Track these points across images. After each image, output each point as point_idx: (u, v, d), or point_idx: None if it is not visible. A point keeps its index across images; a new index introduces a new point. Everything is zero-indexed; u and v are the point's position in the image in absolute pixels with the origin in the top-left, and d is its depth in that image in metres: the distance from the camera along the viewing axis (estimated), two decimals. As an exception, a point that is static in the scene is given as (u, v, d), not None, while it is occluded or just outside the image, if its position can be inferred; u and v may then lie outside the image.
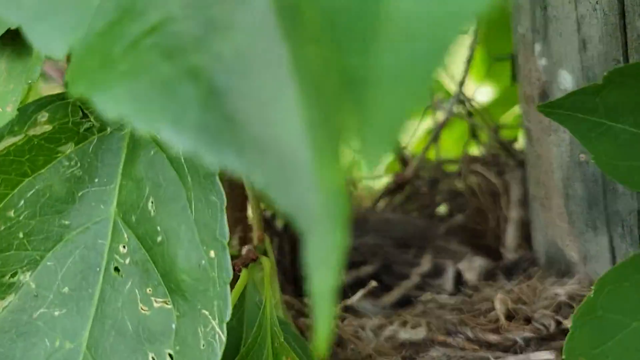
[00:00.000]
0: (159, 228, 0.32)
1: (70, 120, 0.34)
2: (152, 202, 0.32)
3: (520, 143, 0.71)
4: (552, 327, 0.44)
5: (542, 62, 0.47)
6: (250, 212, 0.51)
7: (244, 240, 0.51)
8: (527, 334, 0.43)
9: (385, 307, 0.56)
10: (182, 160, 0.31)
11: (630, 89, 0.32)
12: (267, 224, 0.71)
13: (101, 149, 0.34)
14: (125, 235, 0.33)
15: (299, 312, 0.51)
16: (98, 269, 0.33)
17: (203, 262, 0.30)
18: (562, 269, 0.51)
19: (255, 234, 0.46)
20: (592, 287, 0.32)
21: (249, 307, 0.40)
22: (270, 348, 0.35)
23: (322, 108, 0.15)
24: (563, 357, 0.32)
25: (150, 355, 0.30)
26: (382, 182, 0.77)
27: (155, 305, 0.31)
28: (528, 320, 0.45)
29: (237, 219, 0.53)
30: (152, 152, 0.33)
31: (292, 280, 0.68)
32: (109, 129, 0.34)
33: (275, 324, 0.37)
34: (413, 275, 0.58)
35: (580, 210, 0.47)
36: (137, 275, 0.32)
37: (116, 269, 0.32)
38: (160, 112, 0.18)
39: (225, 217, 0.30)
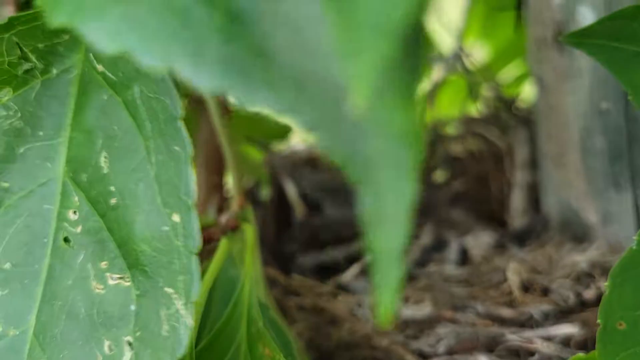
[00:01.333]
0: (113, 188, 0.26)
1: (6, 61, 0.28)
2: (105, 157, 0.26)
3: (523, 101, 0.65)
4: (572, 299, 0.39)
5: (557, -1, 0.41)
6: (229, 176, 0.45)
7: (222, 209, 0.46)
8: (545, 307, 0.39)
9: None
10: (140, 104, 0.25)
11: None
12: (249, 194, 0.65)
13: (46, 96, 0.28)
14: (76, 199, 0.26)
15: (284, 292, 0.45)
16: (45, 240, 0.26)
17: (165, 228, 0.24)
18: (578, 234, 0.46)
19: (236, 200, 0.40)
20: (635, 238, 0.26)
21: (222, 282, 0.34)
22: (244, 334, 0.30)
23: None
24: (598, 320, 0.27)
25: (107, 343, 0.25)
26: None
27: (111, 282, 0.25)
28: (545, 292, 0.40)
29: (215, 184, 0.47)
30: (104, 97, 0.27)
31: (276, 256, 0.63)
32: (54, 71, 0.28)
33: (254, 305, 0.32)
34: (413, 249, 0.53)
35: (601, 166, 0.42)
36: (90, 247, 0.26)
37: (66, 240, 0.26)
38: (175, 44, 0.15)
39: (191, 171, 0.24)
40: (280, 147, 0.70)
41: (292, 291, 0.46)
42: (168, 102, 0.25)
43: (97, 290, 0.25)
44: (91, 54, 0.27)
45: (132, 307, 0.25)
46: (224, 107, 0.46)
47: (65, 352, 0.24)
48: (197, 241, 0.24)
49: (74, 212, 0.26)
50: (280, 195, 0.66)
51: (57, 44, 0.28)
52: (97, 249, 0.26)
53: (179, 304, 0.23)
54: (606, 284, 0.27)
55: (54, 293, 0.26)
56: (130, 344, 0.24)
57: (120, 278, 0.25)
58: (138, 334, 0.24)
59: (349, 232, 0.56)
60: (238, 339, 0.30)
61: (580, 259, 0.41)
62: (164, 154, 0.25)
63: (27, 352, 0.25)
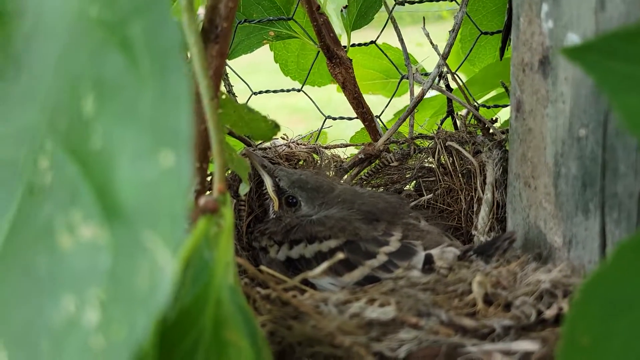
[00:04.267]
0: (99, 132, 0.22)
1: None
2: (92, 101, 0.23)
3: (500, 124, 0.64)
4: (533, 316, 0.38)
5: (548, 24, 0.40)
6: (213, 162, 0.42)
7: (202, 194, 0.43)
8: (507, 322, 0.37)
9: (347, 287, 0.49)
10: (137, 42, 0.22)
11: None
12: (228, 187, 0.63)
13: (31, 37, 0.25)
14: (51, 145, 0.23)
15: (251, 282, 0.43)
16: (13, 192, 0.23)
17: (153, 171, 0.21)
18: (542, 254, 0.44)
19: (216, 186, 0.37)
20: (609, 256, 0.25)
21: (196, 263, 0.32)
22: (211, 316, 0.28)
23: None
24: (562, 332, 0.25)
25: (71, 302, 0.21)
26: (349, 151, 0.70)
27: (85, 234, 0.22)
28: (508, 307, 0.39)
29: (197, 169, 0.45)
30: (97, 41, 0.23)
31: (247, 249, 0.61)
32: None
33: (224, 289, 0.29)
34: (380, 254, 0.51)
35: (572, 190, 0.41)
36: (61, 198, 0.22)
37: (31, 191, 0.23)
38: None
39: (189, 110, 0.21)
40: (262, 142, 0.68)
41: (259, 282, 0.43)
42: (171, 35, 0.22)
43: (65, 245, 0.22)
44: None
45: (106, 261, 0.21)
46: (214, 92, 0.44)
47: (15, 312, 0.21)
48: (188, 182, 0.21)
49: (46, 161, 0.23)
50: (257, 189, 0.64)
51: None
52: (71, 199, 0.22)
53: (161, 252, 0.20)
54: (569, 301, 0.25)
55: (12, 250, 0.23)
56: (100, 301, 0.21)
57: (95, 230, 0.22)
58: (111, 289, 0.21)
59: (323, 231, 0.54)
60: (204, 321, 0.27)
61: (544, 278, 0.39)
62: (160, 92, 0.22)
63: None
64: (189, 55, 0.36)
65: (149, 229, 0.20)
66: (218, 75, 0.43)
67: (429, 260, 0.49)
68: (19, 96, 0.24)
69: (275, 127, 0.50)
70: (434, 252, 0.50)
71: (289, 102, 0.71)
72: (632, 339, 0.25)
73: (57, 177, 0.22)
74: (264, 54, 0.76)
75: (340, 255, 0.42)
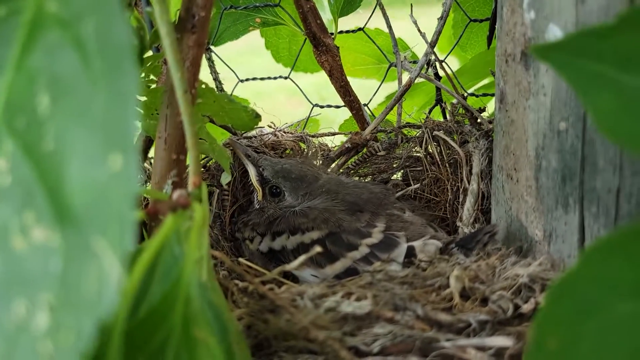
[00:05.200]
0: (52, 132, 0.22)
1: None
2: (47, 100, 0.22)
3: (488, 113, 0.64)
4: (510, 310, 0.37)
5: (530, 15, 0.39)
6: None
7: (179, 186, 0.43)
8: (483, 317, 0.37)
9: (328, 279, 0.49)
10: (90, 40, 0.22)
11: (650, 35, 0.25)
12: (212, 176, 0.63)
13: None
14: (10, 146, 0.23)
15: (229, 275, 0.43)
16: None
17: (102, 174, 0.21)
18: (523, 248, 0.44)
19: (191, 179, 0.37)
20: (578, 260, 0.24)
21: (166, 260, 0.31)
22: (180, 314, 0.27)
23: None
24: (530, 333, 0.25)
25: (22, 305, 0.21)
26: (339, 140, 0.69)
27: (37, 237, 0.21)
28: (485, 301, 0.38)
29: (174, 162, 0.44)
30: (53, 38, 0.23)
31: (230, 237, 0.60)
32: (3, 11, 0.25)
33: (194, 286, 0.29)
34: (362, 246, 0.51)
35: (553, 184, 0.40)
36: (18, 199, 0.22)
37: None
38: None
39: (135, 113, 0.21)
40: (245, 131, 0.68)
41: (236, 275, 0.43)
42: (122, 35, 0.21)
43: (19, 247, 0.22)
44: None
45: (57, 265, 0.21)
46: (191, 83, 0.43)
47: None
48: (135, 187, 0.20)
49: (5, 161, 0.23)
50: (242, 178, 0.64)
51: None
52: (26, 200, 0.22)
53: (109, 258, 0.20)
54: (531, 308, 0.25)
55: None
56: (50, 305, 0.21)
57: (46, 232, 0.22)
58: (60, 293, 0.21)
59: (305, 223, 0.54)
60: (173, 319, 0.27)
61: (523, 272, 0.39)
62: (109, 93, 0.21)
63: None
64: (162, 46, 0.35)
65: (98, 234, 0.20)
66: (196, 65, 0.42)
67: (410, 252, 0.49)
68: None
69: (256, 117, 0.49)
70: (416, 244, 0.50)
71: (288, 84, 0.71)
72: (600, 343, 0.25)
73: (16, 178, 0.22)
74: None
75: (318, 248, 0.42)
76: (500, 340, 0.35)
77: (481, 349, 0.35)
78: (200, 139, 0.50)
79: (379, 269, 0.41)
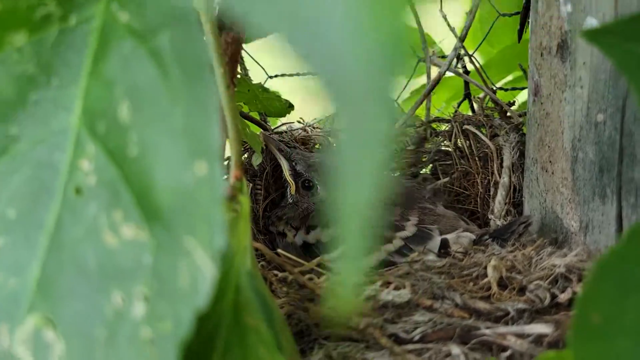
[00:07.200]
0: (134, 139, 0.23)
1: (25, 3, 0.26)
2: (127, 108, 0.24)
3: (517, 107, 0.64)
4: (547, 299, 0.38)
5: (567, 8, 0.40)
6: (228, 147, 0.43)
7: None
8: (521, 305, 0.38)
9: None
10: (166, 52, 0.23)
11: None
12: (246, 170, 0.64)
13: (63, 44, 0.25)
14: (92, 149, 0.24)
15: (268, 266, 0.44)
16: (54, 190, 0.24)
17: (189, 179, 0.22)
18: (558, 239, 0.45)
19: (233, 172, 0.38)
20: (623, 236, 0.25)
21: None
22: (231, 302, 0.29)
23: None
24: (574, 311, 0.26)
25: (118, 295, 0.23)
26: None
27: (127, 234, 0.23)
28: (522, 291, 0.39)
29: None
30: (127, 48, 0.24)
31: (264, 232, 0.62)
32: (73, 20, 0.26)
33: (243, 275, 0.30)
34: (396, 239, 0.52)
35: (589, 175, 0.41)
36: (104, 198, 0.24)
37: (78, 190, 0.24)
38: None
39: (217, 121, 0.22)
40: (279, 126, 0.69)
41: (276, 266, 0.44)
42: (198, 47, 0.23)
43: (110, 243, 0.23)
44: (115, 3, 0.25)
45: (148, 259, 0.23)
46: (230, 79, 0.45)
47: (70, 303, 0.22)
48: (221, 190, 0.22)
49: (89, 163, 0.24)
50: (273, 173, 0.65)
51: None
52: (113, 200, 0.24)
53: (200, 255, 0.22)
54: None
55: (62, 244, 0.24)
56: (145, 296, 0.23)
57: (137, 230, 0.23)
58: (154, 285, 0.23)
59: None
60: (224, 306, 0.28)
61: (559, 262, 0.40)
62: (189, 104, 0.23)
63: (29, 302, 0.23)
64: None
65: (189, 234, 0.22)
66: (234, 60, 0.44)
67: (444, 244, 0.50)
68: (51, 101, 0.25)
69: (290, 106, 0.50)
70: (450, 236, 0.51)
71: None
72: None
73: (100, 179, 0.23)
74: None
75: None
76: (539, 328, 0.36)
77: (520, 336, 0.36)
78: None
79: (417, 259, 0.42)
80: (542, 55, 0.44)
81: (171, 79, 0.23)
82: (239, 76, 0.48)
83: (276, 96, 0.50)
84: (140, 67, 0.24)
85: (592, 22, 0.38)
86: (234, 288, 0.30)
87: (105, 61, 0.25)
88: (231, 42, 0.44)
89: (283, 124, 0.68)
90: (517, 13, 0.63)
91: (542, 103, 0.44)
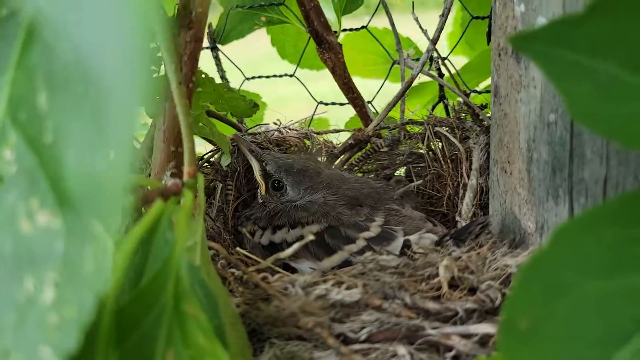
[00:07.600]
0: (49, 126, 0.24)
1: None
2: (45, 96, 0.24)
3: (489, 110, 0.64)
4: (498, 299, 0.38)
5: (520, 8, 0.40)
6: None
7: (178, 177, 0.44)
8: (470, 305, 0.37)
9: (326, 271, 0.50)
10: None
11: (620, 22, 0.25)
12: (216, 171, 0.64)
13: None
14: (14, 138, 0.25)
15: (226, 264, 0.44)
16: None
17: (97, 165, 0.23)
18: (516, 239, 0.44)
19: (186, 169, 0.38)
20: (547, 240, 0.25)
21: (159, 244, 0.33)
22: (171, 292, 0.29)
23: None
24: (502, 317, 0.25)
25: (30, 281, 0.23)
26: (344, 137, 0.70)
27: (41, 221, 0.24)
28: (473, 291, 0.39)
29: (172, 153, 0.46)
30: (52, 38, 0.25)
31: (233, 231, 0.62)
32: (3, 12, 0.26)
33: (183, 266, 0.30)
34: (359, 239, 0.52)
35: (544, 176, 0.40)
36: (23, 186, 0.24)
37: (3, 180, 0.25)
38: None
39: (132, 105, 0.23)
40: (252, 127, 0.69)
41: (232, 265, 0.44)
42: None
43: (26, 230, 0.24)
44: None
45: (60, 246, 0.23)
46: (190, 76, 0.45)
47: None
48: (128, 177, 0.22)
49: (11, 152, 0.25)
50: (246, 174, 0.65)
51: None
52: (31, 188, 0.24)
53: (106, 241, 0.22)
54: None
55: None
56: (55, 282, 0.23)
57: (50, 216, 0.24)
58: (64, 271, 0.23)
59: (305, 217, 0.55)
60: (166, 296, 0.28)
61: (511, 262, 0.39)
62: (101, 89, 0.23)
63: None
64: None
65: (95, 218, 0.22)
66: (193, 58, 0.44)
67: (406, 245, 0.49)
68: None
69: (254, 106, 0.50)
70: (412, 237, 0.50)
71: (311, 91, 0.72)
72: (569, 321, 0.25)
73: (20, 167, 0.24)
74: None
75: (311, 237, 0.43)
76: (484, 328, 0.36)
77: (466, 336, 0.35)
78: (201, 124, 0.51)
79: (370, 258, 0.41)
80: (499, 56, 0.44)
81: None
82: (203, 76, 0.48)
83: (241, 96, 0.50)
84: (59, 55, 0.24)
85: (542, 21, 0.38)
86: (174, 279, 0.31)
87: (31, 49, 0.25)
88: (190, 40, 0.44)
89: (257, 125, 0.69)
90: (489, 16, 0.63)
91: (500, 104, 0.44)
